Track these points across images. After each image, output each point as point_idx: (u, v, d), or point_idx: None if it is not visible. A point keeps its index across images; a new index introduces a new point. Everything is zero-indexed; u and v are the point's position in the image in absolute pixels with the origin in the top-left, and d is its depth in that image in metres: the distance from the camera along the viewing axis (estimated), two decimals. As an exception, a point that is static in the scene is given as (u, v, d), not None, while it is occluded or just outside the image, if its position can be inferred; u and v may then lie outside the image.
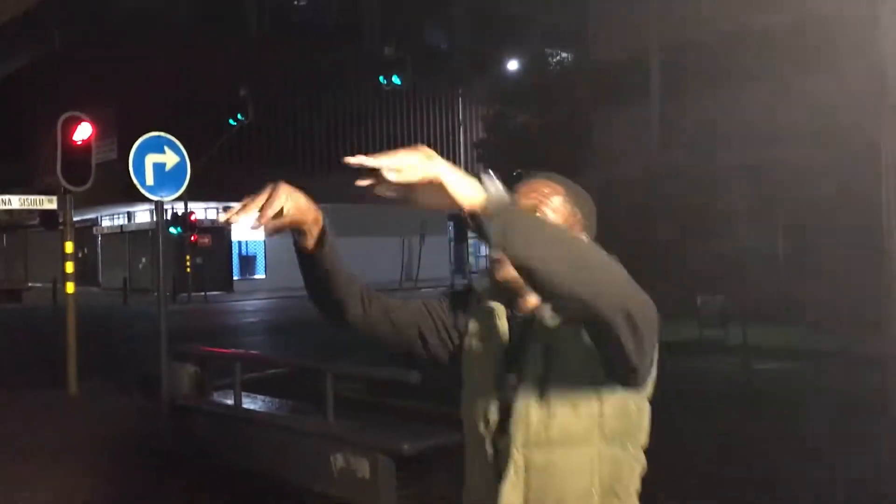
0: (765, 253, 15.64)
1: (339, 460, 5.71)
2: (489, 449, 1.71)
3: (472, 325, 1.80)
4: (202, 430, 7.33)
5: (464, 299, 1.86)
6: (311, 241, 1.66)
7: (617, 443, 1.66)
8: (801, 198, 15.03)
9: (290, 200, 1.58)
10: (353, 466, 5.64)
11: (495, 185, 1.38)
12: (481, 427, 1.73)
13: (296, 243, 1.69)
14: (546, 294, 1.44)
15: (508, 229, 1.34)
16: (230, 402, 6.97)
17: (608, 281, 1.42)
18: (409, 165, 1.39)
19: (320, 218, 1.67)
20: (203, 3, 34.75)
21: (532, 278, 1.38)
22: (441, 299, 1.89)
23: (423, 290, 30.53)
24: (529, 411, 1.64)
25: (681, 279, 14.67)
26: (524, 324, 1.73)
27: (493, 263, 1.73)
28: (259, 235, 36.96)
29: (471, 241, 41.61)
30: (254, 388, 8.11)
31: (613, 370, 1.58)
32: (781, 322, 14.68)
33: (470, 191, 1.37)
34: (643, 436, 1.71)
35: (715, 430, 7.53)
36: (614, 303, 1.41)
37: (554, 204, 1.72)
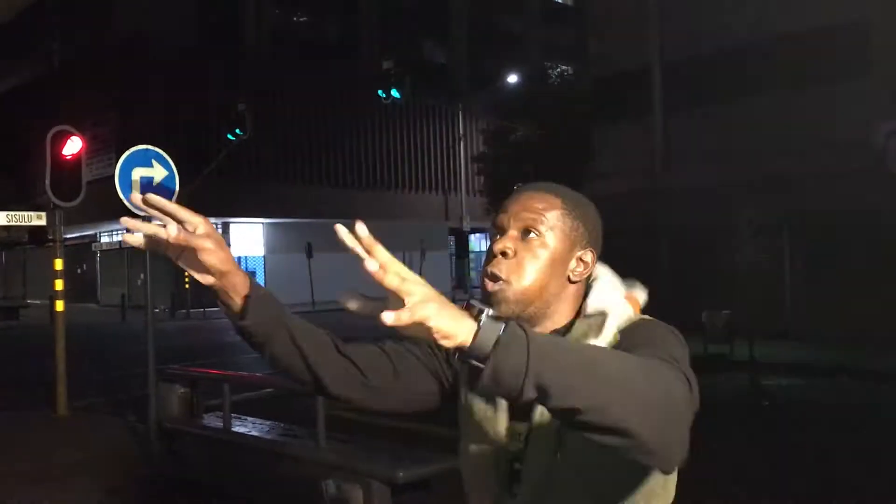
0: (770, 267, 15.46)
1: (331, 487, 5.46)
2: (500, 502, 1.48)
3: (467, 377, 1.54)
4: (191, 453, 7.10)
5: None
6: (238, 292, 1.35)
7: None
8: (806, 212, 14.88)
9: (214, 245, 1.28)
10: (345, 494, 5.39)
11: (490, 321, 1.13)
12: (488, 479, 1.51)
13: (229, 314, 1.39)
14: (585, 428, 1.15)
15: (513, 367, 1.10)
16: (219, 424, 6.74)
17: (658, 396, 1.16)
18: (408, 297, 1.11)
19: (246, 281, 1.36)
20: (201, 18, 34.75)
21: (567, 417, 1.14)
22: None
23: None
24: (541, 461, 1.43)
25: (685, 294, 14.48)
26: None
27: (485, 296, 1.47)
28: (259, 251, 36.99)
29: (472, 257, 41.48)
30: (246, 408, 7.90)
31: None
32: (787, 337, 14.51)
33: (457, 328, 1.12)
34: (671, 497, 1.48)
35: (723, 445, 7.35)
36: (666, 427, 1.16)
37: (551, 221, 1.47)
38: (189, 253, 1.28)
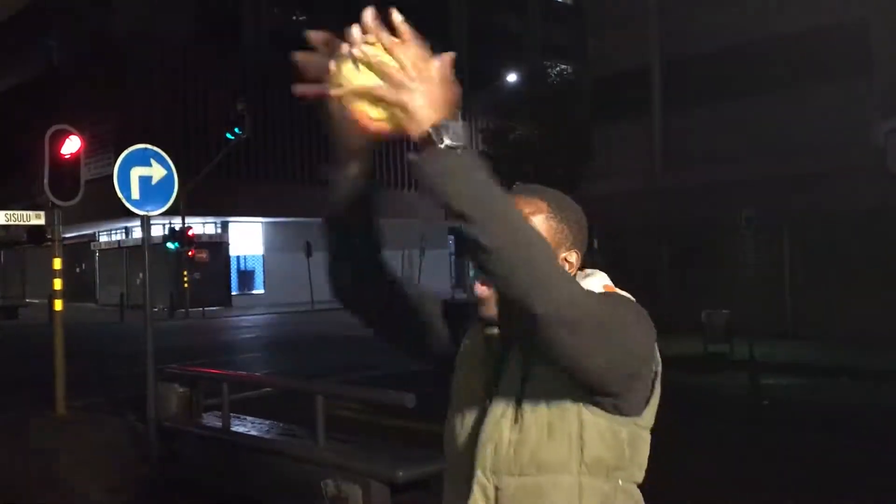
0: (769, 267, 15.47)
1: (330, 486, 5.44)
2: (463, 472, 1.53)
3: (464, 342, 1.65)
4: (190, 453, 7.08)
5: (461, 313, 1.69)
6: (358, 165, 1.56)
7: (602, 474, 1.45)
8: (805, 211, 14.87)
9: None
10: (344, 493, 5.37)
11: (455, 128, 1.26)
12: (457, 448, 1.57)
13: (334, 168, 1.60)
14: (474, 255, 1.27)
15: (444, 173, 1.23)
16: (219, 424, 6.72)
17: (554, 279, 1.26)
18: (407, 75, 1.28)
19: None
20: (201, 18, 34.72)
21: (466, 236, 1.24)
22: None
23: (422, 305, 30.30)
24: (500, 432, 1.47)
25: (685, 294, 14.48)
26: (508, 342, 1.55)
27: (479, 300, 1.55)
28: (258, 250, 36.95)
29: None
30: (246, 408, 7.88)
31: (593, 391, 1.41)
32: (787, 337, 14.51)
33: (422, 119, 1.26)
34: (638, 470, 1.51)
35: (723, 444, 7.35)
36: (557, 303, 1.24)
37: (536, 224, 1.50)
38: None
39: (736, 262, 15.17)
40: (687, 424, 7.00)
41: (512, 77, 32.78)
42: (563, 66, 35.31)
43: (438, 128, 1.24)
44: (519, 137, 31.46)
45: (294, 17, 39.19)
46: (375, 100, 1.30)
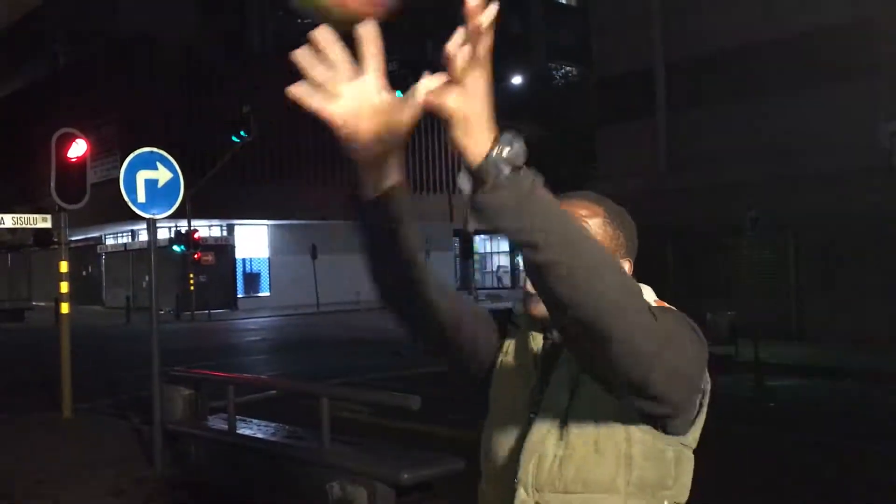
0: (774, 268, 15.44)
1: (335, 489, 5.46)
2: (504, 487, 1.48)
3: (506, 349, 1.60)
4: (196, 455, 7.10)
5: (501, 321, 1.64)
6: (383, 180, 1.25)
7: (648, 494, 1.41)
8: (811, 212, 14.84)
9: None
10: (350, 495, 5.38)
11: (513, 148, 1.13)
12: (497, 461, 1.52)
13: (358, 186, 1.26)
14: (545, 288, 1.17)
15: (510, 204, 1.11)
16: (224, 426, 6.74)
17: (628, 299, 1.18)
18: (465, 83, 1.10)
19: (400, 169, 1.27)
20: (206, 21, 34.79)
21: (532, 264, 1.15)
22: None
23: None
24: (545, 446, 1.43)
25: (690, 295, 14.46)
26: (555, 350, 1.51)
27: (526, 296, 1.51)
28: (263, 253, 37.03)
29: (476, 258, 41.45)
30: (251, 410, 7.90)
31: (644, 409, 1.36)
32: (792, 338, 14.48)
33: (469, 141, 1.11)
34: (683, 490, 1.47)
35: (728, 445, 7.34)
36: (633, 325, 1.17)
37: (593, 228, 1.50)
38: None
39: (741, 264, 15.15)
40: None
41: (516, 79, 32.78)
42: (567, 68, 35.29)
43: (497, 152, 1.11)
44: (524, 139, 31.46)
45: (299, 20, 39.22)
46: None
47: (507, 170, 1.10)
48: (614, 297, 1.15)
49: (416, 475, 5.14)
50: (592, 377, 1.36)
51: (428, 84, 1.11)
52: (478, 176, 1.11)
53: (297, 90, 1.12)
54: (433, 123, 41.47)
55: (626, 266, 1.53)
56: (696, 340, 1.35)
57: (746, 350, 11.65)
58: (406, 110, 1.14)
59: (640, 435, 1.40)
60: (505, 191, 1.10)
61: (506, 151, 1.12)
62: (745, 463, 7.08)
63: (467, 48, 1.11)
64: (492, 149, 1.11)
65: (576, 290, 1.13)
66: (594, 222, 1.51)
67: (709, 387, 1.46)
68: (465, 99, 1.11)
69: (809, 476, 6.69)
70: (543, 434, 1.44)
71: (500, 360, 1.59)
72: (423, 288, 1.43)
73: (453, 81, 1.10)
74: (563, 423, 1.43)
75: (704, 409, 1.46)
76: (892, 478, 6.50)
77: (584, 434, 1.41)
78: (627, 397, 1.32)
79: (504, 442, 1.52)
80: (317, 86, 1.11)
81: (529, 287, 1.45)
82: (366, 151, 1.17)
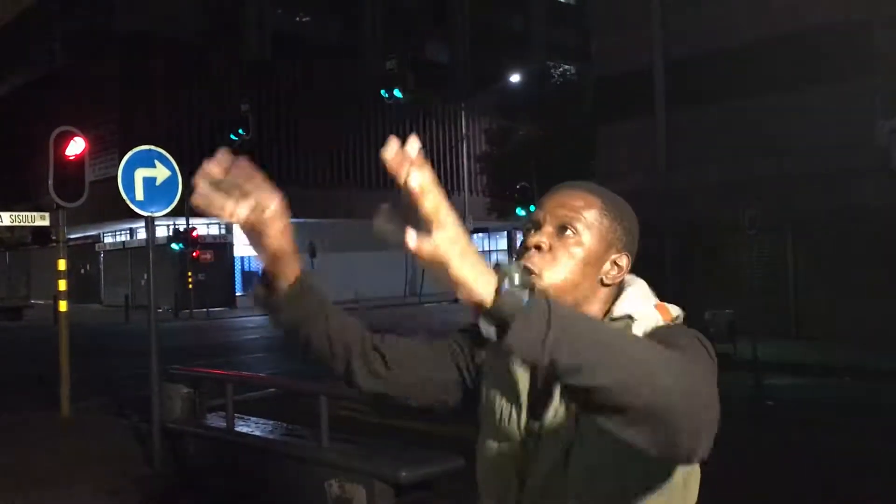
0: (773, 266, 15.45)
1: (334, 487, 5.45)
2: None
3: (491, 365, 1.53)
4: (194, 453, 7.09)
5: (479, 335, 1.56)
6: (285, 285, 1.40)
7: None
8: (809, 210, 14.86)
9: (278, 214, 1.35)
10: (348, 494, 5.38)
11: (516, 277, 1.06)
12: (495, 482, 1.47)
13: (264, 287, 1.43)
14: (606, 411, 1.09)
15: (539, 337, 1.03)
16: (223, 424, 6.73)
17: (674, 378, 1.10)
18: (438, 230, 1.04)
19: (297, 260, 1.42)
20: (204, 19, 34.76)
21: (586, 394, 1.07)
22: (456, 337, 1.61)
23: (426, 305, 30.32)
24: (552, 465, 1.38)
25: (688, 294, 14.46)
26: (545, 386, 1.44)
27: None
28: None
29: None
30: (250, 408, 7.89)
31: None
32: (791, 337, 14.49)
33: (477, 282, 1.05)
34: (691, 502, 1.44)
35: (726, 445, 7.33)
36: (682, 403, 1.09)
37: (588, 219, 1.43)
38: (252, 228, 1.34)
39: (739, 262, 15.14)
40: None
41: (515, 77, 32.76)
42: (566, 67, 35.28)
43: (508, 280, 1.05)
44: (523, 137, 31.47)
45: (297, 19, 39.21)
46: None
47: (525, 295, 1.05)
48: (671, 397, 1.08)
49: (416, 473, 5.13)
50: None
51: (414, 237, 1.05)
52: (499, 313, 1.05)
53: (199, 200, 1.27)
54: (430, 122, 41.49)
55: (624, 261, 1.46)
56: (712, 373, 1.24)
57: (745, 348, 11.66)
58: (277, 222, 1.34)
59: (647, 466, 1.30)
60: (535, 318, 1.04)
61: (516, 277, 1.06)
62: (744, 462, 7.08)
63: (426, 197, 1.04)
64: (500, 279, 1.06)
65: (630, 395, 1.07)
66: (590, 213, 1.44)
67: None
68: (449, 235, 1.05)
69: (808, 475, 6.70)
70: (552, 455, 1.39)
71: (485, 385, 1.53)
72: (353, 358, 1.49)
73: (430, 226, 1.05)
74: (568, 450, 1.37)
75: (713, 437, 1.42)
76: (892, 477, 6.51)
77: (588, 461, 1.35)
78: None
79: (501, 463, 1.46)
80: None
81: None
82: (272, 248, 1.35)
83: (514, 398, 1.47)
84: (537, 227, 1.46)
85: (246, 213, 1.29)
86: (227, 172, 1.29)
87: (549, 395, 1.42)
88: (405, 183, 1.04)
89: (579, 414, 1.35)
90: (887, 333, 12.83)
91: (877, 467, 6.82)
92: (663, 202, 17.21)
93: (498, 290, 1.05)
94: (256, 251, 1.37)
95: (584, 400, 1.10)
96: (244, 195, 1.29)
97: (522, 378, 1.47)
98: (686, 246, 17.01)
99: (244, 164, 1.29)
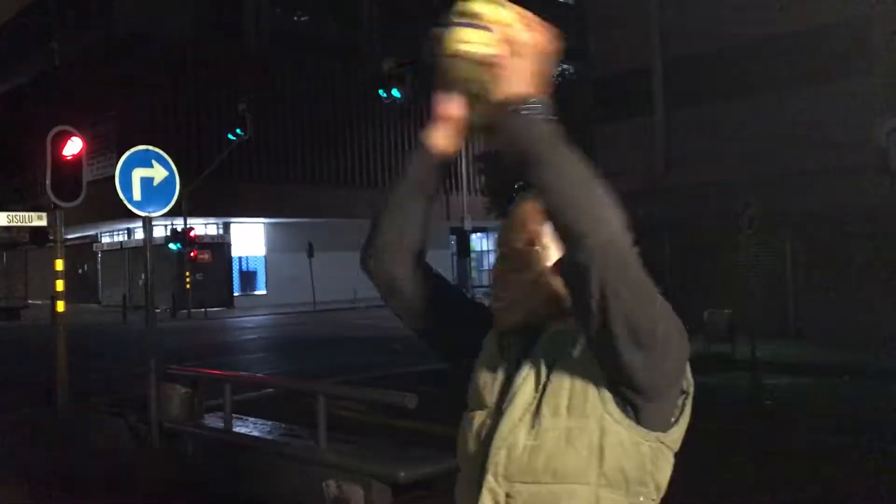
0: (771, 266, 15.45)
1: (331, 487, 5.45)
2: (475, 477, 1.48)
3: (484, 345, 1.60)
4: (192, 453, 7.08)
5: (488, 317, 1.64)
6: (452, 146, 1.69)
7: (622, 488, 1.39)
8: (807, 210, 14.85)
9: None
10: (346, 494, 5.37)
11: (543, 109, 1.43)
12: (469, 451, 1.52)
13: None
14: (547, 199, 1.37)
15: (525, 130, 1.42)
16: (220, 424, 6.73)
17: (608, 211, 1.36)
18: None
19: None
20: (202, 18, 34.73)
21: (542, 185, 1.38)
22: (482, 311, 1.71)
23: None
24: (515, 437, 1.42)
25: (687, 294, 14.46)
26: (529, 344, 1.51)
27: (498, 313, 1.55)
28: (260, 251, 37.02)
29: (473, 256, 41.44)
30: (247, 408, 7.89)
31: (620, 390, 1.37)
32: (789, 337, 14.49)
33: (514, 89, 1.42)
34: (656, 490, 1.45)
35: (725, 444, 7.34)
36: (620, 241, 1.32)
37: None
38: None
39: (738, 262, 15.14)
40: (688, 424, 7.00)
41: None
42: (564, 66, 35.26)
43: (530, 101, 1.42)
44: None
45: (295, 18, 39.19)
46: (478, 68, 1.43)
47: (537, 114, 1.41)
48: (600, 211, 1.35)
49: (413, 473, 5.13)
50: (590, 335, 1.37)
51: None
52: (520, 105, 1.40)
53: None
54: (428, 122, 41.42)
55: None
56: (682, 340, 1.39)
57: (743, 348, 11.66)
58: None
59: (614, 427, 1.38)
60: (542, 119, 1.42)
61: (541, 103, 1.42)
62: (743, 462, 7.08)
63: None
64: (528, 97, 1.42)
65: (565, 194, 1.35)
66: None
67: (692, 389, 1.45)
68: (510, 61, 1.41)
69: (807, 475, 6.70)
70: (514, 424, 1.43)
71: (477, 361, 1.60)
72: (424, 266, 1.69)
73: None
74: (535, 414, 1.42)
75: (688, 411, 1.45)
76: (891, 476, 6.51)
77: (555, 424, 1.40)
78: (608, 369, 1.37)
79: (477, 434, 1.51)
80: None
81: (496, 306, 1.56)
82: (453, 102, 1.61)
83: (493, 370, 1.54)
84: (509, 240, 1.57)
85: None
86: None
87: (522, 365, 1.49)
88: None
89: (546, 384, 1.42)
90: (886, 333, 12.83)
91: (876, 468, 6.82)
92: (662, 201, 17.22)
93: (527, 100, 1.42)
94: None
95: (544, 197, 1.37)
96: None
97: (505, 353, 1.55)
98: (684, 245, 17.00)
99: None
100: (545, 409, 1.41)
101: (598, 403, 1.39)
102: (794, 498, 6.17)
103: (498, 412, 1.48)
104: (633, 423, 1.39)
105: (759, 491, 6.26)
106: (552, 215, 1.35)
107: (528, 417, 1.43)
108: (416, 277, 1.67)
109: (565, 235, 1.33)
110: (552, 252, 1.50)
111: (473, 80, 1.46)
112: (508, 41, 1.43)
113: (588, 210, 1.32)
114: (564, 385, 1.41)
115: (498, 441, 1.44)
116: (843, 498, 6.10)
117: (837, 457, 7.16)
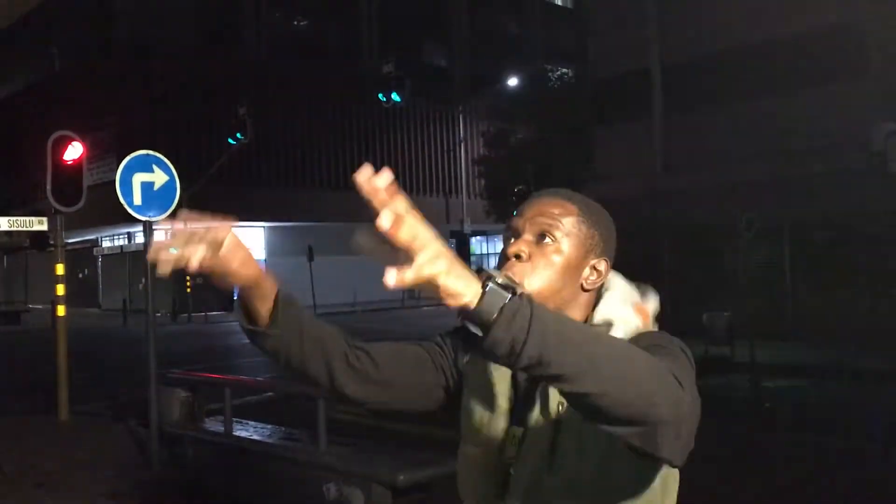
0: (770, 269, 15.46)
1: (332, 490, 5.46)
2: None
3: (472, 372, 1.54)
4: (193, 457, 7.10)
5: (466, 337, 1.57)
6: (263, 311, 1.42)
7: None
8: (806, 213, 14.87)
9: (233, 247, 1.30)
10: (346, 497, 5.39)
11: (500, 280, 1.11)
12: (479, 490, 1.48)
13: (244, 317, 1.44)
14: (587, 411, 1.15)
15: (523, 331, 1.07)
16: (221, 428, 6.74)
17: (659, 384, 1.15)
18: (419, 254, 1.08)
19: (269, 283, 1.42)
20: (202, 22, 34.78)
21: (568, 392, 1.12)
22: (439, 340, 1.62)
23: (424, 308, 30.32)
24: (539, 478, 1.39)
25: (686, 296, 14.48)
26: (529, 386, 1.46)
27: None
28: (259, 255, 36.99)
29: (473, 259, 41.45)
30: (248, 412, 7.90)
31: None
32: (789, 339, 14.49)
33: (464, 288, 1.09)
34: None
35: (724, 447, 7.34)
36: (667, 410, 1.15)
37: (566, 227, 1.46)
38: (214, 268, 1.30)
39: (737, 265, 15.15)
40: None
41: (512, 80, 32.80)
42: (563, 70, 35.31)
43: (491, 282, 1.10)
44: (519, 140, 31.48)
45: (295, 23, 39.24)
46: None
47: (508, 297, 1.09)
48: (652, 399, 1.13)
49: (413, 476, 5.14)
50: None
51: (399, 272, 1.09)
52: (482, 315, 1.09)
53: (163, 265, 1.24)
54: (427, 126, 41.50)
55: (602, 265, 1.49)
56: (692, 380, 1.29)
57: (742, 350, 11.67)
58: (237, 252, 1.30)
59: (628, 468, 1.35)
60: (517, 320, 1.08)
61: (499, 279, 1.11)
62: (742, 464, 7.08)
63: (400, 228, 1.08)
64: (484, 283, 1.10)
65: (616, 400, 1.11)
66: (568, 221, 1.46)
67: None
68: (431, 254, 1.08)
69: (807, 477, 6.70)
70: (533, 465, 1.40)
71: (466, 391, 1.54)
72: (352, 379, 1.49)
73: (410, 253, 1.08)
74: (552, 454, 1.39)
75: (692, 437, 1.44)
76: (890, 477, 6.52)
77: (571, 465, 1.37)
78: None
79: (484, 471, 1.47)
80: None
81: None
82: (241, 279, 1.35)
83: (492, 403, 1.49)
84: (517, 235, 1.48)
85: (201, 257, 1.25)
86: (176, 235, 1.26)
87: (532, 400, 1.44)
88: (377, 222, 1.07)
89: (560, 420, 1.39)
90: (885, 335, 12.85)
91: (876, 469, 6.83)
92: (660, 205, 17.23)
93: (483, 294, 1.09)
94: (227, 286, 1.36)
95: (574, 402, 1.14)
96: (197, 241, 1.25)
97: (502, 382, 1.49)
98: (683, 248, 17.02)
99: (186, 215, 1.28)
100: (561, 450, 1.39)
101: (611, 457, 1.35)
102: (794, 500, 6.18)
103: (507, 447, 1.44)
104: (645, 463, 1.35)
105: (759, 493, 6.27)
106: (603, 417, 1.15)
107: (545, 455, 1.39)
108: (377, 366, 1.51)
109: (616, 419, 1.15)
110: (565, 245, 1.46)
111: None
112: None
113: (636, 402, 1.12)
114: (583, 427, 1.35)
115: (515, 483, 1.41)
116: (844, 499, 6.11)
117: (837, 459, 7.17)
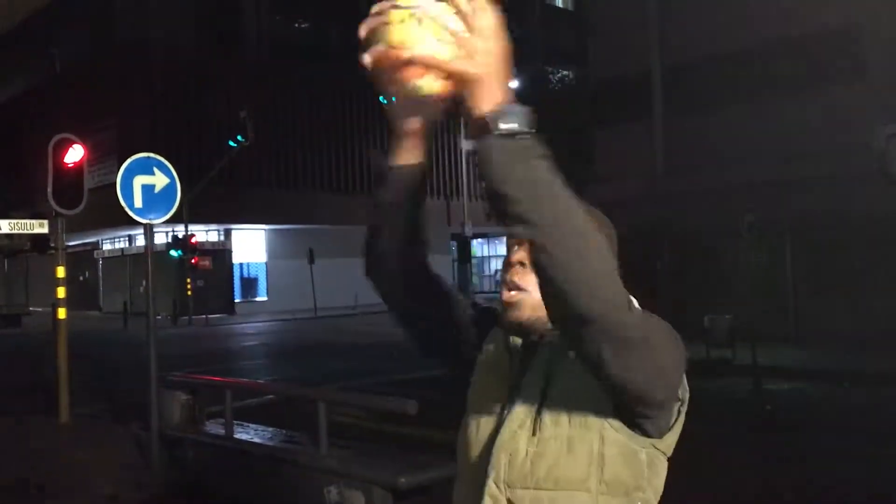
0: (772, 271, 15.45)
1: (332, 493, 5.45)
2: (475, 482, 1.49)
3: (486, 348, 1.61)
4: (193, 460, 7.09)
5: (488, 317, 1.65)
6: (411, 157, 1.46)
7: (620, 494, 1.41)
8: (807, 215, 14.86)
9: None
10: (347, 500, 5.38)
11: (518, 111, 1.19)
12: (470, 456, 1.53)
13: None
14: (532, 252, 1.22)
15: (503, 158, 1.17)
16: (222, 431, 6.73)
17: (608, 279, 1.22)
18: (479, 47, 1.17)
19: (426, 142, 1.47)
20: (203, 25, 34.80)
21: (516, 224, 1.20)
22: (468, 303, 1.70)
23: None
24: (517, 443, 1.44)
25: (687, 299, 14.48)
26: (530, 352, 1.52)
27: (506, 306, 1.53)
28: (261, 257, 36.99)
29: (474, 262, 41.45)
30: (248, 415, 7.90)
31: (621, 403, 1.38)
32: (790, 342, 14.49)
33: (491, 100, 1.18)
34: (654, 495, 1.47)
35: (725, 449, 7.34)
36: (603, 306, 1.21)
37: None
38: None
39: (738, 267, 15.15)
40: (689, 429, 6.99)
41: (513, 82, 32.76)
42: (563, 72, 35.32)
43: (502, 111, 1.20)
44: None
45: (296, 25, 39.26)
46: (430, 69, 1.19)
47: (509, 125, 1.18)
48: (595, 272, 1.20)
49: (414, 479, 5.14)
50: (585, 364, 1.35)
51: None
52: (493, 119, 1.18)
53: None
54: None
55: None
56: (676, 345, 1.37)
57: (744, 353, 11.66)
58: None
59: (614, 435, 1.40)
60: (503, 142, 1.17)
61: (511, 110, 1.20)
62: (743, 466, 7.08)
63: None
64: (498, 106, 1.19)
65: (557, 251, 1.18)
66: None
67: (687, 395, 1.46)
68: (475, 59, 1.18)
69: (808, 479, 6.70)
70: (515, 430, 1.45)
71: (482, 355, 1.61)
72: (424, 264, 1.57)
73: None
74: (537, 421, 1.44)
75: (682, 417, 1.46)
76: (891, 480, 6.51)
77: (557, 432, 1.42)
78: (611, 393, 1.35)
79: (478, 437, 1.53)
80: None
81: (506, 297, 1.51)
82: (408, 118, 1.40)
83: (498, 376, 1.54)
84: (520, 242, 1.50)
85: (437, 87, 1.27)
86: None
87: (526, 374, 1.50)
88: None
89: (546, 394, 1.44)
90: (886, 338, 12.83)
91: (877, 472, 6.82)
92: (662, 206, 17.23)
93: (500, 109, 1.19)
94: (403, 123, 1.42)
95: (538, 268, 1.22)
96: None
97: (503, 361, 1.55)
98: (684, 250, 17.01)
99: None
100: (546, 418, 1.43)
101: (598, 412, 1.40)
102: (794, 500, 6.17)
103: (500, 418, 1.49)
104: (631, 432, 1.41)
105: (760, 496, 6.26)
106: (542, 280, 1.24)
107: (528, 424, 1.44)
108: (417, 272, 1.60)
109: (558, 308, 1.25)
110: None
111: (431, 93, 1.21)
112: (464, 19, 1.17)
113: (586, 286, 1.19)
114: (565, 393, 1.43)
115: (499, 446, 1.46)
116: (844, 500, 6.10)
117: (838, 462, 7.16)
